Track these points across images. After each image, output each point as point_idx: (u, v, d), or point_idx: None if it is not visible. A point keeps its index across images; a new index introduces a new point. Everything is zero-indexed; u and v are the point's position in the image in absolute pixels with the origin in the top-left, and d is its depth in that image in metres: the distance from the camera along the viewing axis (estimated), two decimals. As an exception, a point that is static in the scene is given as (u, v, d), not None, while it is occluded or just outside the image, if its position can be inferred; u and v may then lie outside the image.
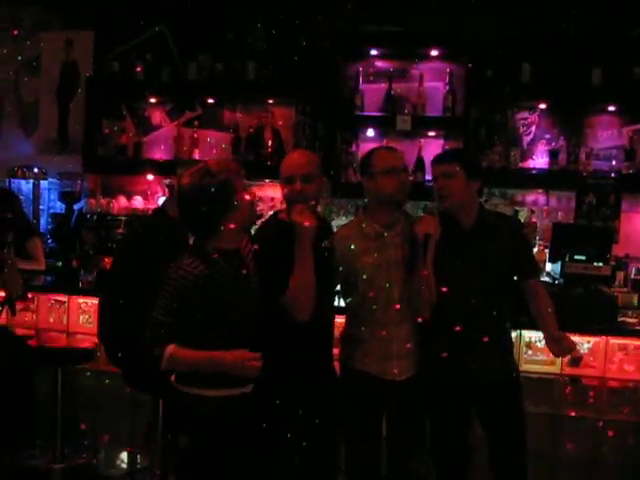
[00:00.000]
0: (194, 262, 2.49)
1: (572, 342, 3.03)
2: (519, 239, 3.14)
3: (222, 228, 2.54)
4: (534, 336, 3.65)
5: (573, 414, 3.68)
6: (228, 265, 2.54)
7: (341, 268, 2.95)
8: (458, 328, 2.89)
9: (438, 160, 3.08)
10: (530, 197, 5.25)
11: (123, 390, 3.79)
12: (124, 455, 4.18)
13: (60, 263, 4.92)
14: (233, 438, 2.52)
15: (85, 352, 4.00)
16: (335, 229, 3.25)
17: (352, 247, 2.94)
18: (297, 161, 2.93)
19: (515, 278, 3.04)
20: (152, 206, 5.43)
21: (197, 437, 2.55)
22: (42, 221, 5.72)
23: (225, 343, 2.48)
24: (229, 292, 2.50)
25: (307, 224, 2.67)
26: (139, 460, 4.03)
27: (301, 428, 2.84)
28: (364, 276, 2.92)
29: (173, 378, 2.58)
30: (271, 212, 3.37)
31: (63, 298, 4.38)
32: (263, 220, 3.19)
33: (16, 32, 5.98)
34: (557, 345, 3.01)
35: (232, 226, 2.54)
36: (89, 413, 4.23)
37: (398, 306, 2.93)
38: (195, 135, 5.55)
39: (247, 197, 2.59)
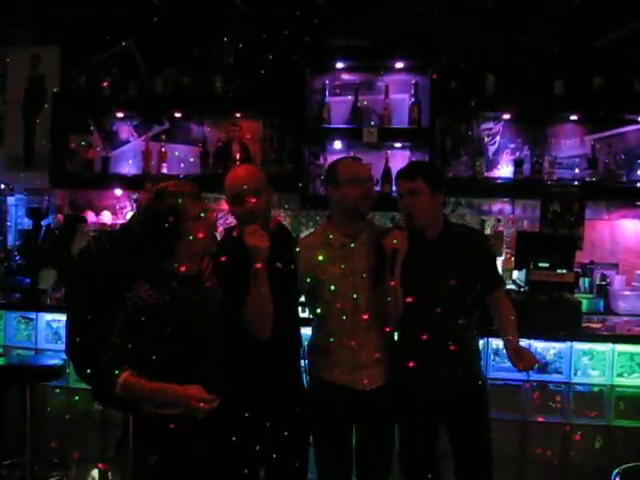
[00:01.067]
0: (147, 288, 2.49)
1: (534, 357, 3.09)
2: (484, 251, 3.20)
3: (178, 250, 2.53)
4: (501, 344, 3.69)
5: (540, 419, 3.73)
6: (183, 288, 2.54)
7: (309, 279, 2.95)
8: (425, 337, 2.91)
9: (403, 176, 3.09)
10: (496, 206, 5.32)
11: (93, 407, 3.78)
12: (95, 472, 4.14)
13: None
14: (199, 453, 2.52)
15: (54, 369, 3.96)
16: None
17: (318, 257, 2.94)
18: (242, 177, 2.87)
19: (479, 287, 3.09)
20: (121, 221, 5.41)
21: (164, 453, 2.53)
22: (9, 237, 5.66)
23: (184, 363, 2.48)
24: (182, 316, 2.50)
25: (260, 245, 2.63)
26: (110, 477, 4.00)
27: (269, 441, 2.83)
28: (330, 286, 2.92)
29: None
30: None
31: (31, 315, 4.34)
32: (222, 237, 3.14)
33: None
34: (520, 360, 3.04)
35: (187, 248, 2.53)
36: (59, 430, 4.19)
37: (365, 315, 2.93)
38: (163, 149, 5.53)
39: (202, 219, 2.55)
